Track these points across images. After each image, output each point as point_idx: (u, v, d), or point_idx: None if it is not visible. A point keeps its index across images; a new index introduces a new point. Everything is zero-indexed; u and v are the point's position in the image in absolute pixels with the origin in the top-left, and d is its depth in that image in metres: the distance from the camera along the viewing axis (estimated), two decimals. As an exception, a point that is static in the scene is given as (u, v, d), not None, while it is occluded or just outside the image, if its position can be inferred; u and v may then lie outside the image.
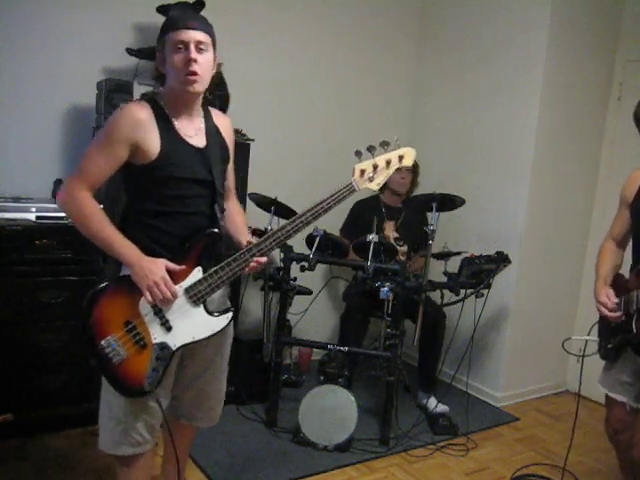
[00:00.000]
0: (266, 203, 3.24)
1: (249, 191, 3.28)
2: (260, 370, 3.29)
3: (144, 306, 1.74)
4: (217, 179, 1.85)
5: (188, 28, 1.72)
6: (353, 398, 2.94)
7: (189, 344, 1.80)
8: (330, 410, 2.93)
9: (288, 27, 3.71)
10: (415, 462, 2.92)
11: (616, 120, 3.76)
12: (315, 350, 3.91)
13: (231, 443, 2.91)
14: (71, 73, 3.03)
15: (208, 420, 2.12)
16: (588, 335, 2.40)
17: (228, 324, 1.85)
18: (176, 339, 1.77)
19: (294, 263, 3.04)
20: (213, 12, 3.12)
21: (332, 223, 3.70)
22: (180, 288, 1.76)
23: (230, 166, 2.01)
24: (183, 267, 1.76)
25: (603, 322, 2.29)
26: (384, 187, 3.63)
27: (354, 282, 3.64)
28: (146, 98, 1.83)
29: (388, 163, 1.86)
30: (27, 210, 2.63)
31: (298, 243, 3.15)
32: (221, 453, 2.81)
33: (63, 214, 2.67)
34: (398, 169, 3.55)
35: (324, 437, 2.91)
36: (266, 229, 3.12)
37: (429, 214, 3.23)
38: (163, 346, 1.76)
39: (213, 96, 3.09)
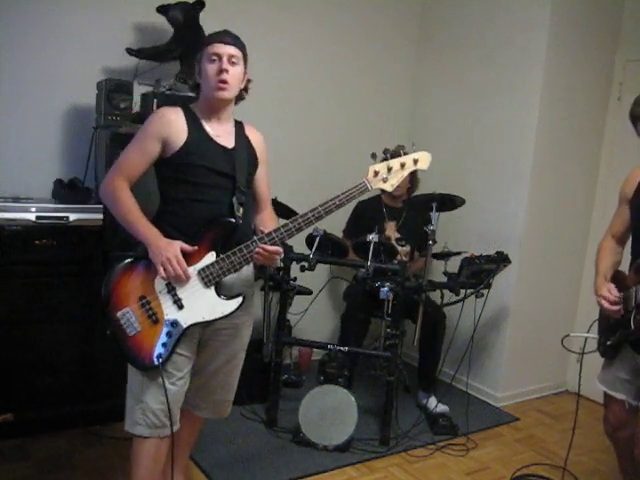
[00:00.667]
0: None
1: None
2: (260, 370, 3.29)
3: (159, 283, 1.87)
4: (239, 176, 1.98)
5: (222, 42, 1.92)
6: (353, 398, 2.94)
7: (199, 323, 1.91)
8: (330, 410, 2.93)
9: (288, 27, 3.71)
10: (415, 462, 2.92)
11: (616, 120, 3.76)
12: (315, 350, 3.91)
13: (231, 443, 2.91)
14: (71, 73, 3.03)
15: (211, 413, 2.18)
16: (588, 332, 2.41)
17: (238, 308, 1.93)
18: (187, 317, 1.88)
19: (294, 263, 3.04)
20: (213, 12, 3.14)
21: (332, 223, 3.70)
22: (194, 270, 1.88)
23: (264, 176, 2.16)
24: (196, 248, 1.88)
25: (602, 319, 2.29)
26: (382, 190, 3.65)
27: (354, 282, 3.64)
28: (181, 105, 2.01)
29: (402, 165, 1.97)
30: (27, 210, 2.63)
31: (298, 243, 3.16)
32: (221, 453, 2.81)
33: (63, 214, 2.68)
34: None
35: (324, 437, 2.91)
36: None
37: (431, 214, 3.24)
38: (174, 323, 1.87)
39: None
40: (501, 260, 3.18)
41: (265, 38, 3.63)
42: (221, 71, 1.90)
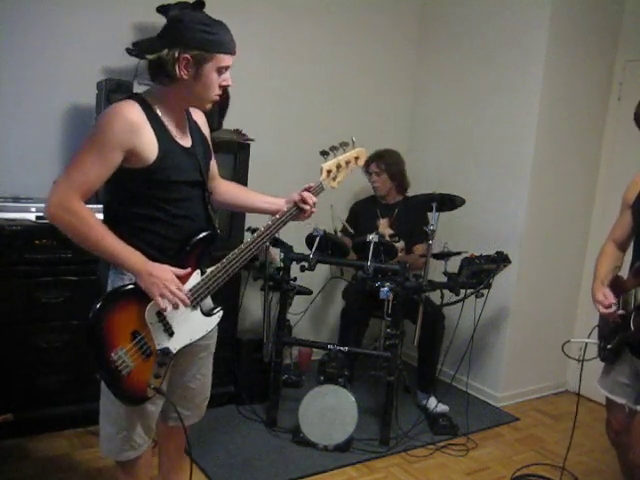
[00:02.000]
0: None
1: (249, 191, 3.28)
2: (260, 370, 3.29)
3: (150, 314, 1.71)
4: (205, 179, 1.86)
5: (233, 54, 1.76)
6: (353, 398, 2.94)
7: (186, 346, 1.82)
8: (330, 410, 2.93)
9: (288, 27, 3.70)
10: (415, 462, 2.92)
11: (616, 120, 3.76)
12: (315, 350, 3.91)
13: (231, 443, 2.91)
14: (71, 73, 3.03)
15: (195, 416, 2.11)
16: (588, 337, 2.40)
17: (217, 322, 1.89)
18: (176, 343, 1.78)
19: (294, 263, 3.04)
20: (213, 12, 3.12)
21: (332, 223, 3.70)
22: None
23: (211, 151, 1.99)
24: (188, 270, 1.75)
25: (602, 324, 2.29)
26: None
27: (354, 282, 3.64)
28: (134, 97, 1.73)
29: (347, 163, 2.01)
30: (27, 210, 2.63)
31: (298, 243, 3.16)
32: (221, 453, 2.81)
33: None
34: (366, 173, 3.71)
35: (324, 437, 2.91)
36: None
37: (429, 214, 3.24)
38: (166, 351, 1.75)
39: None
40: (501, 260, 3.18)
41: (265, 38, 3.63)
42: (225, 85, 1.77)
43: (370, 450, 2.95)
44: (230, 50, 1.74)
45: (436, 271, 3.34)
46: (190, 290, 1.76)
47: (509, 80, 3.64)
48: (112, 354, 1.65)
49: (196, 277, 1.78)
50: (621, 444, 2.28)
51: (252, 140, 3.30)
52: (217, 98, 1.77)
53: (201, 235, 1.79)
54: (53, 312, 2.70)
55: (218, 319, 1.87)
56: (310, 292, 3.45)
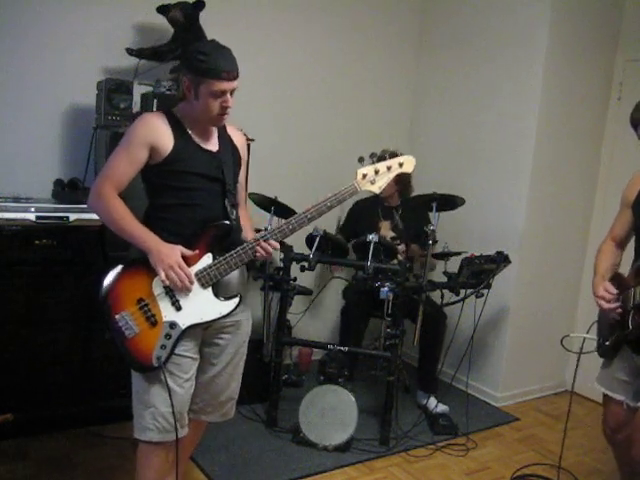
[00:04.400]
0: (266, 203, 3.24)
1: (249, 191, 3.27)
2: (260, 370, 3.29)
3: (157, 286, 1.88)
4: (228, 178, 2.01)
5: (229, 80, 1.89)
6: (353, 398, 2.94)
7: (198, 324, 1.92)
8: (330, 410, 2.93)
9: (288, 28, 3.70)
10: (415, 462, 2.92)
11: (616, 120, 3.76)
12: (315, 350, 3.91)
13: (231, 443, 2.91)
14: (71, 73, 3.03)
15: (218, 415, 2.17)
16: (587, 333, 2.41)
17: (236, 308, 1.96)
18: (185, 319, 1.90)
19: (294, 263, 3.04)
20: (213, 12, 3.14)
21: (333, 223, 3.71)
22: (191, 271, 1.89)
23: (243, 176, 2.18)
24: (196, 252, 1.90)
25: (601, 319, 2.30)
26: (370, 191, 3.65)
27: (354, 281, 3.64)
28: (163, 110, 2.00)
29: (389, 168, 2.07)
30: (27, 210, 2.62)
31: (298, 243, 3.16)
32: (221, 453, 2.81)
33: (63, 214, 2.68)
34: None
35: (324, 437, 2.91)
36: (266, 229, 3.12)
37: (430, 213, 3.24)
38: (173, 324, 1.88)
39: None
40: (501, 260, 3.18)
41: (264, 38, 3.63)
42: (226, 107, 1.93)
43: (370, 450, 2.95)
44: (220, 76, 1.86)
45: (436, 271, 3.35)
46: (199, 271, 1.90)
47: (509, 80, 3.64)
48: (117, 316, 1.85)
49: (207, 260, 1.92)
50: (617, 441, 2.28)
51: (252, 140, 3.30)
52: (220, 118, 1.96)
53: (215, 222, 1.95)
54: (53, 312, 2.70)
55: (233, 305, 1.96)
56: (310, 292, 3.45)
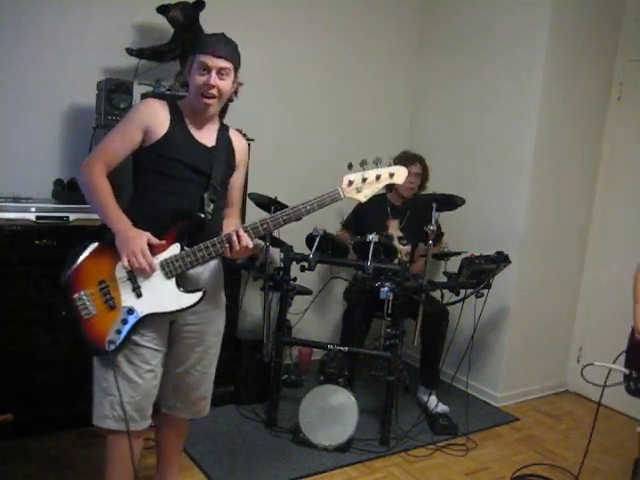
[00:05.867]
0: (266, 203, 3.24)
1: (249, 191, 3.28)
2: (260, 370, 3.29)
3: (120, 270, 1.87)
4: (215, 174, 1.99)
5: (214, 56, 1.90)
6: (353, 398, 2.94)
7: (156, 314, 1.90)
8: (330, 410, 2.93)
9: (288, 27, 3.70)
10: (415, 462, 2.92)
11: (616, 120, 3.76)
12: (315, 350, 3.91)
13: (231, 443, 2.91)
14: (71, 73, 3.03)
15: (189, 412, 2.17)
16: (614, 363, 2.24)
17: (197, 302, 1.92)
18: (144, 306, 1.88)
19: (294, 263, 3.04)
20: (214, 12, 3.14)
21: (333, 223, 3.70)
22: (156, 260, 1.88)
23: (239, 183, 2.16)
24: (163, 242, 1.89)
25: (635, 352, 2.16)
26: (391, 188, 3.66)
27: (354, 281, 3.64)
28: (167, 100, 2.01)
29: (378, 178, 1.97)
30: (27, 210, 2.62)
31: (298, 243, 3.16)
32: (221, 453, 2.81)
33: (63, 214, 2.68)
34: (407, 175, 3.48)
35: (324, 437, 2.91)
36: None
37: (433, 214, 3.23)
38: (130, 310, 1.87)
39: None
40: (501, 260, 3.18)
41: (264, 38, 3.63)
42: (208, 85, 1.91)
43: (370, 450, 2.95)
44: (206, 50, 1.90)
45: (436, 271, 3.35)
46: (164, 260, 1.88)
47: (509, 80, 3.64)
48: (75, 295, 1.87)
49: (174, 249, 1.90)
50: None
51: (252, 140, 3.30)
52: (205, 102, 1.94)
53: (186, 212, 1.93)
54: (53, 312, 2.69)
55: (196, 298, 1.92)
56: (310, 292, 3.45)
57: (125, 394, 1.91)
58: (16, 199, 2.72)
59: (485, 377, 3.75)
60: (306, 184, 3.77)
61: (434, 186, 3.68)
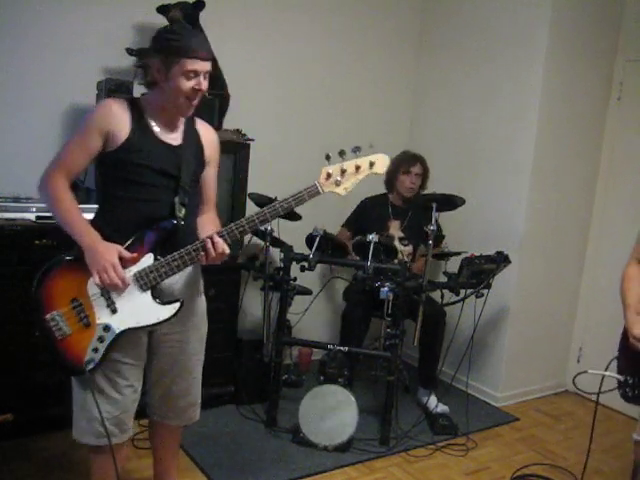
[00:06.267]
0: (265, 203, 3.23)
1: (249, 191, 3.28)
2: (260, 370, 3.29)
3: (92, 286, 1.80)
4: (184, 176, 1.89)
5: (202, 59, 1.81)
6: (353, 398, 2.94)
7: (133, 329, 1.84)
8: (330, 410, 2.93)
9: (288, 27, 3.70)
10: (415, 462, 2.92)
11: (616, 120, 3.76)
12: (315, 350, 3.91)
13: (231, 443, 2.91)
14: (71, 73, 3.03)
15: (180, 419, 2.13)
16: (606, 370, 2.18)
17: (175, 314, 1.85)
18: (120, 322, 1.81)
19: (294, 263, 3.04)
20: (214, 13, 3.14)
21: (333, 223, 3.70)
22: (129, 273, 1.80)
23: (211, 177, 2.06)
24: (135, 255, 1.81)
25: (629, 357, 2.12)
26: (392, 188, 3.66)
27: (354, 281, 3.64)
28: (127, 98, 1.92)
29: (358, 168, 1.85)
30: (27, 210, 2.62)
31: (298, 243, 3.16)
32: (221, 453, 2.81)
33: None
34: (406, 173, 3.50)
35: (324, 437, 2.91)
36: (265, 229, 3.12)
37: (433, 214, 3.23)
38: (106, 327, 1.80)
39: (213, 96, 3.10)
40: (501, 260, 3.18)
41: (264, 38, 3.63)
42: (198, 90, 1.82)
43: (370, 450, 2.95)
44: (192, 54, 1.78)
45: (436, 271, 3.35)
46: (138, 272, 1.81)
47: (509, 80, 3.64)
48: (47, 315, 1.79)
49: (147, 260, 1.82)
50: None
51: (252, 140, 3.30)
52: (189, 102, 1.84)
53: (158, 220, 1.85)
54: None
55: (173, 310, 1.84)
56: (310, 292, 3.45)
57: (104, 410, 1.85)
58: (16, 199, 2.72)
59: (485, 377, 3.75)
60: (306, 184, 3.78)
61: (434, 186, 3.68)
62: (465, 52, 3.91)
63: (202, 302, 2.10)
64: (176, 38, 1.79)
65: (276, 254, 3.40)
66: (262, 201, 3.25)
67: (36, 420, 2.75)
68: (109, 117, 1.81)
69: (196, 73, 1.80)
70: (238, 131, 3.27)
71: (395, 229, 3.62)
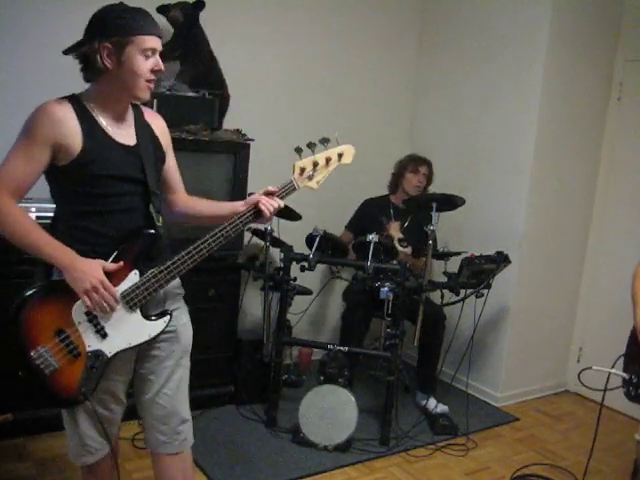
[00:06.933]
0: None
1: (249, 191, 3.28)
2: (260, 370, 3.29)
3: (77, 313, 1.63)
4: (150, 178, 1.74)
5: (158, 36, 1.68)
6: (353, 398, 2.94)
7: (125, 350, 1.70)
8: (330, 410, 2.93)
9: (288, 27, 3.70)
10: (415, 462, 2.92)
11: (616, 120, 3.76)
12: (315, 350, 3.91)
13: (231, 443, 2.91)
14: (71, 73, 3.02)
15: (176, 445, 1.87)
16: (612, 367, 2.18)
17: (164, 328, 1.73)
18: (112, 346, 1.67)
19: (294, 263, 3.04)
20: (214, 12, 3.14)
21: (333, 223, 3.70)
22: (117, 293, 1.64)
23: (173, 162, 1.92)
24: (121, 264, 1.64)
25: (635, 356, 2.11)
26: (396, 189, 3.66)
27: (354, 281, 3.64)
28: (68, 96, 1.72)
29: (328, 161, 1.83)
30: (27, 210, 2.62)
31: (298, 243, 3.16)
32: (221, 453, 2.81)
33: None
34: (414, 172, 3.48)
35: (324, 437, 2.91)
36: (265, 229, 3.12)
37: (433, 214, 3.23)
38: (98, 354, 1.65)
39: (213, 96, 3.10)
40: (501, 260, 3.18)
41: (264, 38, 3.63)
42: (158, 71, 1.67)
43: (370, 450, 2.95)
44: (148, 30, 1.64)
45: (436, 271, 3.35)
46: (125, 291, 1.65)
47: (509, 80, 3.64)
48: (32, 352, 1.62)
49: (134, 278, 1.67)
50: None
51: (252, 140, 3.30)
52: (150, 85, 1.68)
53: (138, 232, 1.70)
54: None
55: (164, 324, 1.72)
56: (310, 292, 3.45)
57: (94, 428, 1.75)
58: (16, 199, 2.72)
59: (485, 377, 3.75)
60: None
61: (434, 186, 3.68)
62: (465, 52, 3.91)
63: (183, 304, 1.94)
64: (125, 16, 1.63)
65: (276, 254, 3.40)
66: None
67: (36, 420, 2.75)
68: (55, 126, 1.61)
69: (153, 51, 1.66)
70: (238, 131, 3.27)
71: (395, 230, 3.62)
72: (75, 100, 1.69)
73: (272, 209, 1.78)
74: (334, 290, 4.06)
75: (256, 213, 1.79)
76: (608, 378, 2.19)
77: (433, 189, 3.66)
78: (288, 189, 1.82)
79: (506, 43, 3.66)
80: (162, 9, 3.01)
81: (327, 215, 3.63)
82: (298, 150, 1.84)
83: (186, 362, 1.90)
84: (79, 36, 1.80)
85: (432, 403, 3.35)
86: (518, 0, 3.60)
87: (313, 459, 2.83)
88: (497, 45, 3.71)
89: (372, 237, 3.03)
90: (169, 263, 1.68)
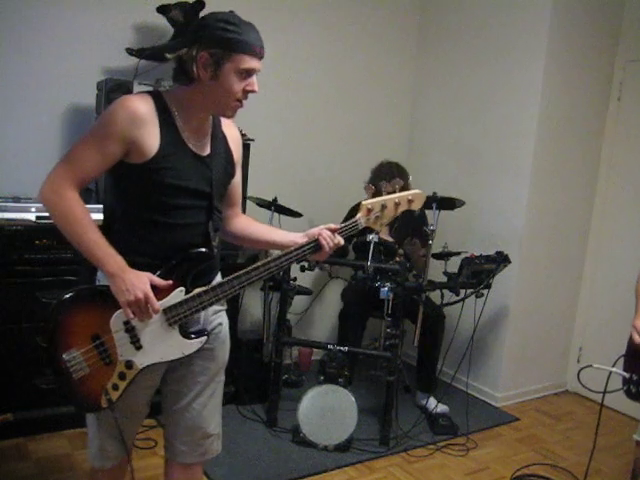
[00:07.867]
0: (265, 203, 3.24)
1: (249, 192, 3.28)
2: (260, 370, 3.29)
3: (116, 321, 1.59)
4: (216, 193, 1.68)
5: (259, 57, 1.63)
6: (353, 398, 2.94)
7: (156, 364, 1.66)
8: (330, 410, 2.93)
9: (288, 26, 3.71)
10: (415, 462, 2.92)
11: (616, 120, 3.76)
12: (315, 350, 3.91)
13: (231, 443, 2.90)
14: (71, 73, 3.03)
15: (194, 455, 1.84)
16: (613, 366, 2.17)
17: (199, 348, 1.69)
18: (144, 358, 1.63)
19: (294, 263, 3.03)
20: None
21: (333, 223, 3.70)
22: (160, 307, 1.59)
23: (238, 179, 1.85)
24: (170, 282, 1.59)
25: (636, 355, 2.11)
26: (377, 195, 3.63)
27: (353, 281, 3.64)
28: (151, 93, 1.62)
29: (397, 205, 1.76)
30: (27, 210, 2.63)
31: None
32: (221, 453, 2.79)
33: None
34: (387, 183, 3.41)
35: (324, 437, 2.91)
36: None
37: (429, 212, 3.22)
38: (129, 364, 1.61)
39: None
40: (501, 260, 3.18)
41: (264, 38, 3.60)
42: (249, 91, 1.61)
43: (370, 450, 2.95)
44: (251, 51, 1.59)
45: (436, 271, 3.35)
46: (168, 308, 1.60)
47: (509, 80, 3.64)
48: (65, 354, 1.58)
49: (178, 295, 1.61)
50: None
51: (252, 140, 3.30)
52: (239, 105, 1.62)
53: (193, 251, 1.63)
54: (53, 312, 2.69)
55: (200, 345, 1.68)
56: (310, 292, 3.45)
57: (114, 435, 1.71)
58: (16, 199, 2.73)
59: (485, 377, 3.75)
60: (306, 184, 3.79)
61: (434, 186, 3.67)
62: (465, 52, 3.92)
63: (226, 321, 1.94)
64: (234, 30, 1.55)
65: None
66: (262, 201, 3.25)
67: (36, 420, 2.75)
68: (134, 125, 1.52)
69: (250, 73, 1.60)
70: (238, 131, 3.26)
71: (384, 234, 3.60)
72: (158, 99, 1.60)
73: (332, 245, 1.73)
74: (334, 290, 4.06)
75: (314, 247, 1.74)
76: (609, 377, 2.18)
77: (433, 190, 3.65)
78: (351, 229, 1.76)
79: (506, 43, 3.66)
80: (162, 9, 3.01)
81: (328, 214, 3.63)
82: (367, 189, 1.83)
83: (220, 378, 1.88)
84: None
85: (432, 403, 3.35)
86: (518, 0, 3.60)
87: (313, 459, 2.83)
88: (497, 45, 3.72)
89: (372, 237, 3.03)
90: (216, 285, 1.63)
